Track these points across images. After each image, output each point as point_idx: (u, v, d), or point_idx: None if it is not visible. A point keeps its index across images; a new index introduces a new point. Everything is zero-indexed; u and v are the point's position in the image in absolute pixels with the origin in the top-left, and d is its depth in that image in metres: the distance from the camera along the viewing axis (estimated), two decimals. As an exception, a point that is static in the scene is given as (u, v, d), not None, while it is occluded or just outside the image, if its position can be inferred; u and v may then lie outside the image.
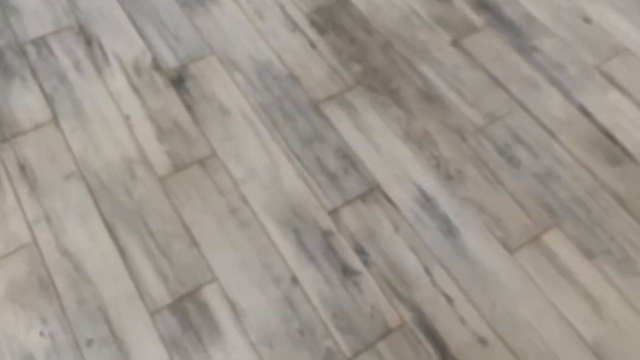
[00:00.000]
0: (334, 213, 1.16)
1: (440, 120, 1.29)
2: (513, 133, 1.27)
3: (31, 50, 1.37)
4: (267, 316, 1.04)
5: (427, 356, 1.01)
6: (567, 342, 1.02)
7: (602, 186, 1.20)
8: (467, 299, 1.06)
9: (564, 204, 1.18)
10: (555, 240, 1.13)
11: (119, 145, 1.23)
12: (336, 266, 1.09)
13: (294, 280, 1.08)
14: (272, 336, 1.02)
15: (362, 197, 1.18)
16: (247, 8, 1.47)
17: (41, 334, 1.01)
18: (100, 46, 1.38)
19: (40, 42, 1.38)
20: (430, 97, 1.32)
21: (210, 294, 1.06)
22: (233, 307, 1.05)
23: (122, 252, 1.10)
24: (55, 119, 1.26)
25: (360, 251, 1.11)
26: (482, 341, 1.02)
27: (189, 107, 1.29)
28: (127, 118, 1.27)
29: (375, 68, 1.37)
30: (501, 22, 1.46)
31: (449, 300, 1.06)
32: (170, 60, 1.36)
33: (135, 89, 1.31)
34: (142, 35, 1.41)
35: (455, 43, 1.42)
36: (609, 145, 1.26)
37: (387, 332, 1.03)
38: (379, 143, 1.25)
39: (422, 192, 1.19)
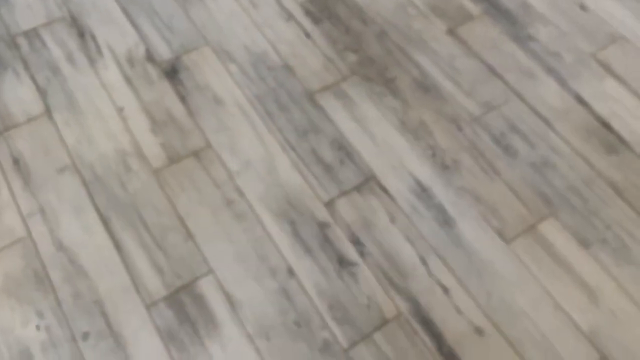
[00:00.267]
0: (329, 204, 1.15)
1: (436, 110, 1.28)
2: (509, 122, 1.27)
3: (23, 42, 1.36)
4: (263, 308, 1.04)
5: (424, 346, 1.01)
6: (563, 331, 1.03)
7: (598, 175, 1.20)
8: (463, 288, 1.06)
9: (560, 193, 1.17)
10: (551, 229, 1.13)
11: (113, 137, 1.22)
12: (332, 257, 1.09)
13: (290, 272, 1.08)
14: (269, 328, 1.02)
15: (358, 188, 1.17)
16: (241, -2, 1.46)
17: (37, 327, 1.01)
18: (93, 38, 1.37)
19: (32, 34, 1.37)
20: (426, 87, 1.32)
21: (206, 286, 1.06)
22: (229, 299, 1.05)
23: (118, 245, 1.09)
24: (48, 112, 1.25)
25: (356, 242, 1.11)
26: (478, 331, 1.02)
27: (183, 99, 1.28)
28: (120, 110, 1.26)
29: (371, 57, 1.36)
30: (497, 11, 1.45)
31: (445, 290, 1.06)
32: (163, 52, 1.35)
33: (129, 81, 1.30)
34: (135, 26, 1.40)
35: (451, 32, 1.41)
36: (606, 134, 1.25)
37: (383, 322, 1.03)
38: (375, 133, 1.25)
39: (418, 182, 1.18)
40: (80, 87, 1.29)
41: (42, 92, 1.28)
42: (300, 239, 1.11)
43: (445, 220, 1.14)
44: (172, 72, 1.32)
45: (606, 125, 1.27)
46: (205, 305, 1.04)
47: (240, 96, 1.29)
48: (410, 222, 1.13)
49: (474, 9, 1.45)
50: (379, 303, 1.05)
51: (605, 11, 1.44)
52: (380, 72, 1.34)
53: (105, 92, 1.29)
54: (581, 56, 1.37)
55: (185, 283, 1.06)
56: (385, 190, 1.17)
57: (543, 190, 1.18)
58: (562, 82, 1.33)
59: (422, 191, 1.17)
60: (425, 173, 1.19)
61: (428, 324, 1.03)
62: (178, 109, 1.27)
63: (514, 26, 1.42)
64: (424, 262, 1.09)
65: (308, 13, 1.43)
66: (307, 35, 1.40)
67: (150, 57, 1.34)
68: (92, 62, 1.33)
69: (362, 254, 1.10)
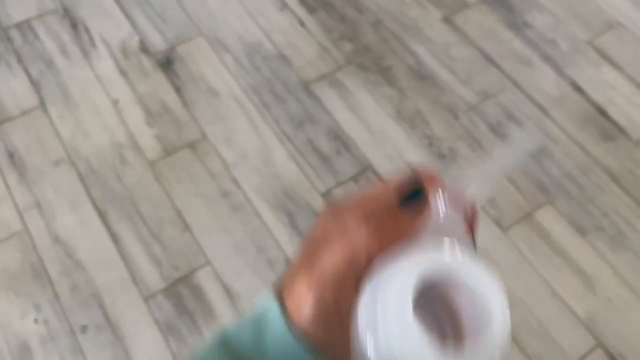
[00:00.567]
0: (326, 194, 1.15)
1: (432, 99, 1.28)
2: (505, 110, 1.27)
3: (16, 35, 1.34)
4: (261, 299, 1.04)
5: (421, 335, 1.01)
6: (560, 318, 1.03)
7: (594, 162, 1.20)
8: (461, 277, 1.07)
9: (557, 181, 1.18)
10: (547, 217, 1.13)
11: (108, 130, 1.22)
12: (329, 247, 1.09)
13: (288, 263, 1.08)
14: (267, 318, 1.02)
15: (355, 178, 1.17)
16: (235, -13, 1.45)
17: (35, 321, 1.01)
18: (86, 29, 1.36)
19: (25, 27, 1.36)
20: (422, 75, 1.31)
21: (203, 278, 1.06)
22: (227, 290, 1.05)
23: (114, 238, 1.09)
24: (42, 105, 1.25)
25: (354, 232, 1.11)
26: (476, 319, 1.03)
27: (178, 90, 1.27)
28: (115, 102, 1.26)
29: (366, 46, 1.35)
30: (493, -2, 1.44)
31: (443, 279, 1.06)
32: (157, 43, 1.34)
33: (123, 73, 1.29)
34: (128, 17, 1.38)
35: (447, 20, 1.40)
36: (602, 121, 1.25)
37: (381, 312, 1.03)
38: (371, 123, 1.24)
39: (415, 172, 1.18)
40: (74, 79, 1.28)
41: (35, 85, 1.27)
42: (298, 230, 1.11)
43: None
44: (166, 63, 1.31)
45: (602, 113, 1.26)
46: (203, 296, 1.04)
47: (235, 87, 1.28)
48: (407, 212, 1.13)
49: (470, -4, 1.44)
50: (377, 292, 1.05)
51: (601, -3, 1.44)
52: (376, 61, 1.33)
53: (100, 84, 1.28)
54: (577, 43, 1.37)
55: (182, 275, 1.06)
56: (382, 179, 1.17)
57: (540, 178, 1.18)
58: (558, 70, 1.32)
59: (419, 180, 1.17)
60: (422, 162, 1.19)
61: (426, 313, 1.03)
62: (173, 101, 1.26)
63: (510, 13, 1.41)
64: (421, 251, 1.09)
65: (302, 2, 1.42)
66: (302, 24, 1.39)
67: (144, 48, 1.33)
68: (85, 54, 1.32)
69: (359, 243, 1.10)
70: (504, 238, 1.11)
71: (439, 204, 0.31)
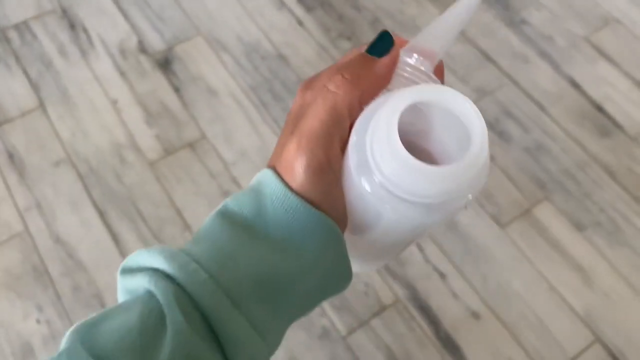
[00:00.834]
0: (325, 193, 1.16)
1: (430, 97, 1.28)
2: (503, 108, 1.27)
3: (14, 36, 1.35)
4: (262, 297, 1.05)
5: (421, 331, 1.02)
6: (558, 313, 1.04)
7: (592, 158, 1.21)
8: (459, 274, 1.07)
9: (554, 177, 1.18)
10: (545, 213, 1.14)
11: (108, 130, 1.22)
12: (329, 246, 1.10)
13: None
14: (268, 317, 1.03)
15: (354, 176, 1.18)
16: (233, -14, 1.45)
17: (37, 321, 1.02)
18: (85, 30, 1.36)
19: (23, 27, 1.36)
20: (419, 73, 1.31)
21: (204, 277, 1.06)
22: (228, 289, 1.05)
23: (115, 238, 1.10)
24: (42, 106, 1.25)
25: (353, 230, 1.12)
26: (475, 315, 1.04)
27: (177, 90, 1.28)
28: (114, 102, 1.26)
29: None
30: (490, -5, 1.45)
31: (442, 275, 1.07)
32: (156, 43, 1.35)
33: (122, 73, 1.30)
34: (126, 17, 1.39)
35: (444, 17, 1.41)
36: (599, 117, 1.26)
37: (381, 309, 1.04)
38: (369, 121, 1.25)
39: (414, 170, 1.19)
40: (73, 79, 1.29)
41: (34, 86, 1.27)
42: (297, 228, 1.11)
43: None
44: (165, 63, 1.32)
45: (600, 109, 1.27)
46: (204, 295, 1.04)
47: (234, 86, 1.29)
48: (406, 209, 1.14)
49: (467, -7, 1.45)
50: (377, 290, 1.06)
51: (598, -6, 1.44)
52: (374, 59, 1.33)
53: (99, 85, 1.28)
54: (574, 40, 1.37)
55: (183, 274, 1.06)
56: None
57: (537, 174, 1.18)
58: (555, 66, 1.33)
59: (418, 178, 1.18)
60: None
61: (425, 310, 1.04)
62: (172, 101, 1.26)
63: (508, 11, 1.42)
64: (420, 248, 1.10)
65: (300, 1, 1.43)
66: (300, 23, 1.39)
67: (142, 48, 1.34)
68: (84, 54, 1.32)
69: (358, 241, 1.10)
70: (502, 234, 1.11)
71: (408, 54, 0.32)
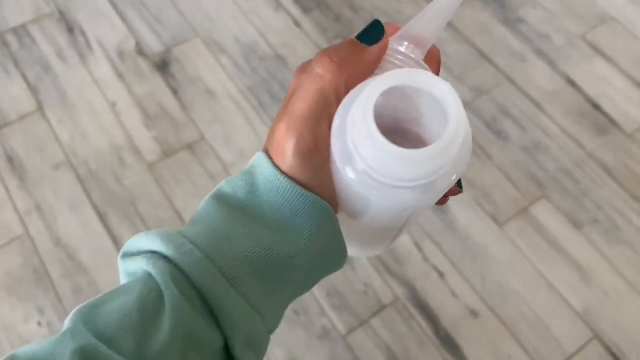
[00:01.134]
0: (324, 193, 1.16)
1: (427, 96, 1.29)
2: (500, 106, 1.28)
3: (12, 40, 1.35)
4: (261, 297, 1.05)
5: (420, 330, 1.03)
6: (556, 310, 1.05)
7: (589, 156, 1.21)
8: (458, 272, 1.08)
9: (552, 175, 1.19)
10: (543, 211, 1.14)
11: (107, 132, 1.23)
12: (328, 245, 1.10)
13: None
14: (268, 317, 1.03)
15: (352, 176, 1.18)
16: (230, -12, 1.45)
17: (39, 324, 1.02)
18: (83, 32, 1.37)
19: (21, 31, 1.36)
20: (417, 73, 1.32)
21: (204, 278, 1.07)
22: (228, 289, 1.06)
23: (115, 240, 1.10)
24: (40, 109, 1.25)
25: (352, 230, 1.12)
26: (474, 313, 1.04)
27: (175, 92, 1.28)
28: (113, 105, 1.26)
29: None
30: (486, -6, 1.45)
31: (440, 274, 1.08)
32: (154, 45, 1.35)
33: (120, 75, 1.30)
34: (124, 19, 1.39)
35: (441, 17, 1.41)
36: (596, 115, 1.27)
37: (380, 308, 1.04)
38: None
39: (411, 169, 1.19)
40: (72, 82, 1.29)
41: (33, 89, 1.28)
42: (296, 228, 1.12)
43: (439, 206, 1.15)
44: (163, 65, 1.32)
45: (596, 107, 1.28)
46: (204, 296, 1.05)
47: (232, 88, 1.29)
48: (405, 209, 1.15)
49: (463, -8, 1.45)
50: (376, 289, 1.06)
51: (594, -8, 1.45)
52: (371, 59, 1.34)
53: (97, 87, 1.29)
54: (570, 38, 1.38)
55: (183, 275, 1.07)
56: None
57: (535, 172, 1.19)
58: (552, 64, 1.34)
59: (416, 177, 1.18)
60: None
61: (424, 308, 1.04)
62: (170, 102, 1.27)
63: (504, 9, 1.42)
64: (419, 247, 1.10)
65: (297, 1, 1.43)
66: (297, 24, 1.39)
67: (140, 50, 1.34)
68: (82, 57, 1.33)
69: (357, 241, 1.11)
70: (500, 233, 1.12)
71: (398, 41, 0.32)
